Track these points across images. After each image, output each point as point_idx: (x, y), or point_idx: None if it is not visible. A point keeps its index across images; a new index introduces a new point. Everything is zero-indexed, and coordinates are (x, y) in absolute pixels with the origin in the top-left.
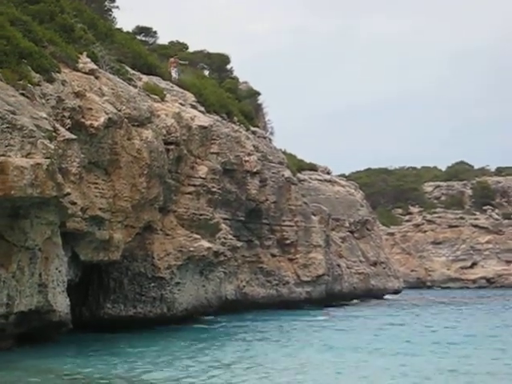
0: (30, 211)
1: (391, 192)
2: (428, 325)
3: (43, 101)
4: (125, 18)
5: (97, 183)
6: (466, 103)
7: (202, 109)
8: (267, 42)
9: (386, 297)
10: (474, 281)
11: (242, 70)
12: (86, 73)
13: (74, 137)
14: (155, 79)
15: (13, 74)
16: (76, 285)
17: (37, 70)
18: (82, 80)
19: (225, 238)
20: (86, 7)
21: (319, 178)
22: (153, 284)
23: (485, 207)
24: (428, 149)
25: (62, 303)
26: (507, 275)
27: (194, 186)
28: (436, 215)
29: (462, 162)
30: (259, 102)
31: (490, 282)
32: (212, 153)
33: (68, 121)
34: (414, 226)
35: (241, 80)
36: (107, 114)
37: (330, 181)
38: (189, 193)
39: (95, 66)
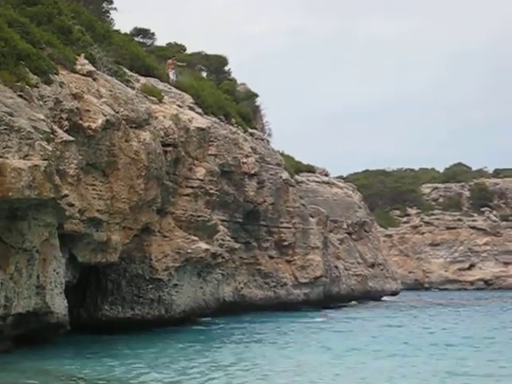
0: (28, 213)
1: (389, 194)
2: (426, 326)
3: (41, 102)
4: (123, 20)
5: (94, 185)
6: (463, 105)
7: (200, 110)
8: (265, 43)
9: (384, 298)
10: (471, 282)
11: (240, 72)
12: (83, 74)
13: (71, 138)
14: (153, 81)
15: (11, 75)
16: (74, 286)
17: (35, 71)
18: (79, 82)
19: (222, 240)
20: (84, 9)
21: (317, 179)
22: (151, 286)
23: (482, 209)
24: (426, 150)
25: (59, 305)
26: (505, 277)
27: (192, 187)
28: (434, 217)
29: (459, 164)
30: (257, 103)
31: (488, 284)
32: (210, 154)
33: (66, 122)
34: (412, 228)
35: (239, 82)
36: (105, 115)
37: (327, 182)
38: (187, 194)
39: (93, 68)
